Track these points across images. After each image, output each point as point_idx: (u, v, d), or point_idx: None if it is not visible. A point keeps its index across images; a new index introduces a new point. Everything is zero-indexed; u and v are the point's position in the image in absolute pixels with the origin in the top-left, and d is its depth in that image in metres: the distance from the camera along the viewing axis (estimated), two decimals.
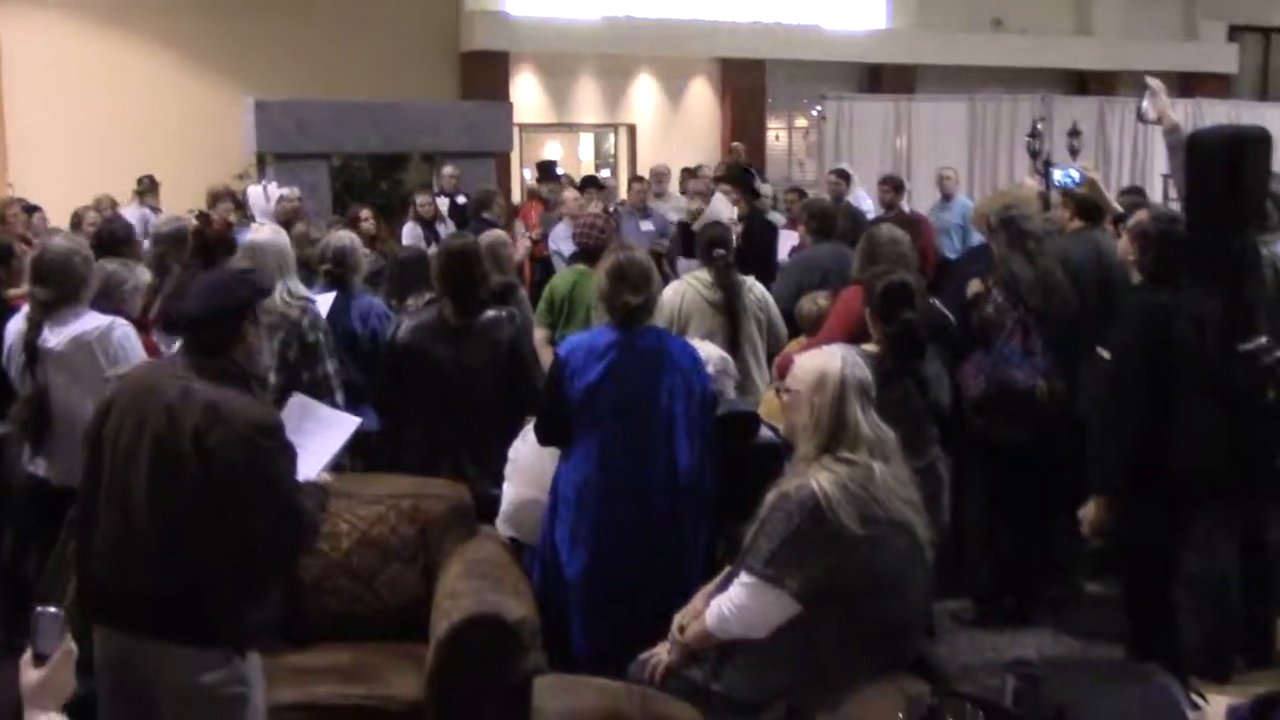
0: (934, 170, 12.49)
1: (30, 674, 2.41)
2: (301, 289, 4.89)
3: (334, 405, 4.73)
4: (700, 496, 4.16)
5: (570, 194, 8.57)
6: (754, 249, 7.62)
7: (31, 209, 8.27)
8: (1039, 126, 11.56)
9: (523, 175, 15.82)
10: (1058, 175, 5.75)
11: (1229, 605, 4.66)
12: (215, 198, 9.30)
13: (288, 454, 3.12)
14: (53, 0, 13.44)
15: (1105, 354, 4.47)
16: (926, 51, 17.75)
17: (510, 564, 4.19)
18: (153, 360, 3.32)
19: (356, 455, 5.30)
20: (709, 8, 16.78)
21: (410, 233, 9.47)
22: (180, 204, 10.17)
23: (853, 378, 3.15)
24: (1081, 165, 6.03)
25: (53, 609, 2.46)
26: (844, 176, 9.92)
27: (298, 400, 3.94)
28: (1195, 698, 3.16)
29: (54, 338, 4.06)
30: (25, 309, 4.22)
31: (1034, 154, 11.51)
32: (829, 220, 6.84)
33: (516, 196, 15.18)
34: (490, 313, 4.71)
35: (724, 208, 8.47)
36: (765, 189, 11.88)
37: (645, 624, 4.07)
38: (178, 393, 3.02)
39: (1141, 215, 4.45)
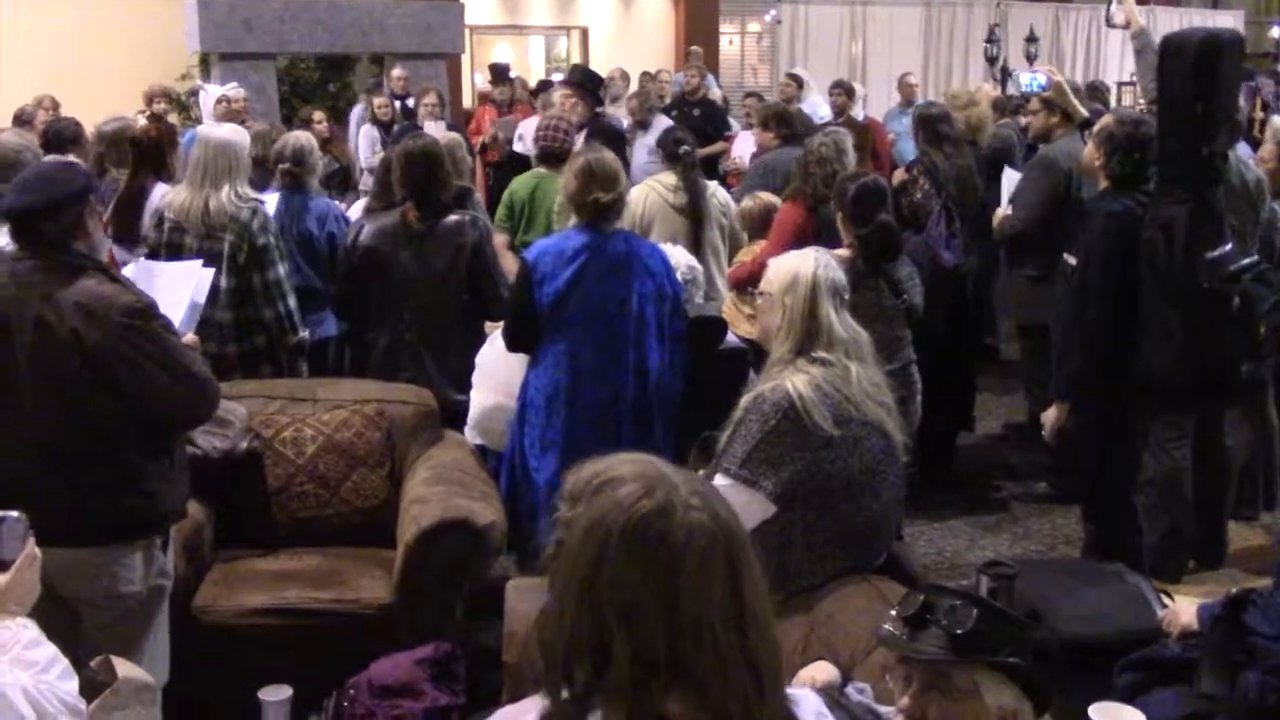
0: (888, 75, 12.44)
1: None
2: (249, 191, 4.76)
3: (286, 310, 4.68)
4: (669, 402, 4.14)
5: (560, 93, 8.41)
6: None
7: None
8: (996, 32, 11.48)
9: (473, 79, 15.51)
10: (1025, 80, 5.73)
11: (1183, 508, 4.76)
12: (150, 99, 9.01)
13: (169, 327, 3.14)
14: None
15: (1071, 260, 4.48)
16: None
17: (477, 469, 4.17)
18: None
19: (315, 360, 5.25)
20: None
21: (366, 135, 9.26)
22: (120, 107, 9.83)
23: (825, 278, 3.12)
24: (1048, 69, 5.97)
25: (14, 513, 2.42)
26: (797, 81, 9.81)
27: (140, 265, 4.02)
28: (1163, 596, 3.23)
29: (4, 236, 3.92)
30: None
31: (991, 60, 11.46)
32: (793, 124, 6.77)
33: (467, 100, 14.88)
34: (453, 216, 4.61)
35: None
36: (716, 93, 11.72)
37: None
38: (40, 302, 2.96)
39: (1107, 119, 4.42)
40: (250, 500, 4.04)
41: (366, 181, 8.40)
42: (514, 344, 4.18)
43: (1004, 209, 5.87)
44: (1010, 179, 6.04)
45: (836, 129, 5.86)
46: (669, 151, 5.74)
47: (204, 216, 4.57)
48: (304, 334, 4.81)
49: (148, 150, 5.37)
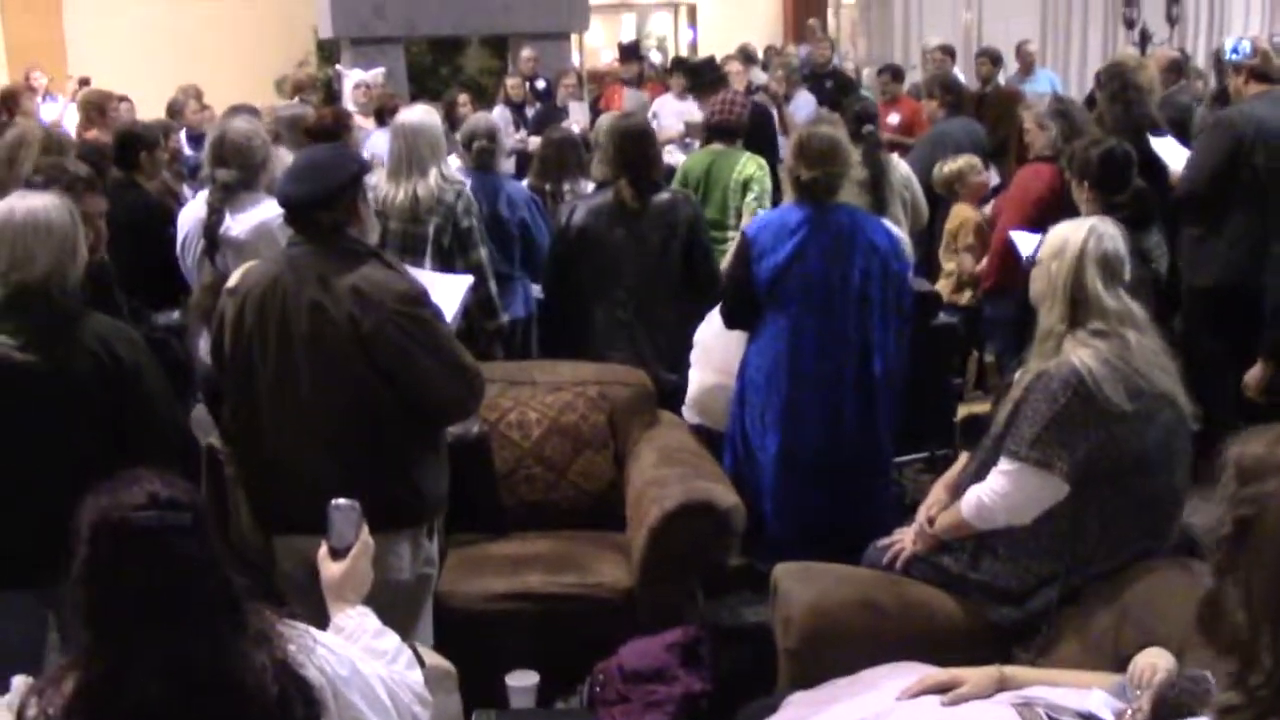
0: (1004, 43, 12.09)
1: (330, 568, 2.35)
2: (454, 172, 4.73)
3: (488, 294, 4.64)
4: (894, 380, 4.06)
5: (735, 67, 8.22)
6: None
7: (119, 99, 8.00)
8: None
9: (580, 56, 15.43)
10: (1228, 46, 5.50)
11: None
12: (299, 88, 9.00)
13: (440, 316, 3.13)
14: None
15: None
16: None
17: (702, 450, 4.12)
18: (266, 260, 3.23)
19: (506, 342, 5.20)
20: None
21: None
22: (244, 94, 9.83)
23: (1094, 249, 2.99)
24: (1252, 36, 5.77)
25: (345, 500, 2.39)
26: (949, 53, 9.60)
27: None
28: None
29: (236, 225, 3.93)
30: (203, 194, 4.08)
31: (1130, 24, 11.14)
32: (960, 92, 6.62)
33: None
34: (665, 194, 4.56)
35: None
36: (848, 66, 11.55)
37: (840, 508, 4.02)
38: (316, 286, 2.94)
39: None
40: (480, 484, 4.00)
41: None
42: (732, 320, 4.13)
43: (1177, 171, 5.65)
44: (1167, 147, 5.82)
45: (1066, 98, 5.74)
46: (852, 129, 5.63)
47: (413, 204, 4.54)
48: (505, 317, 4.78)
49: (324, 136, 5.35)
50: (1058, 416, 2.88)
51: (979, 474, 3.07)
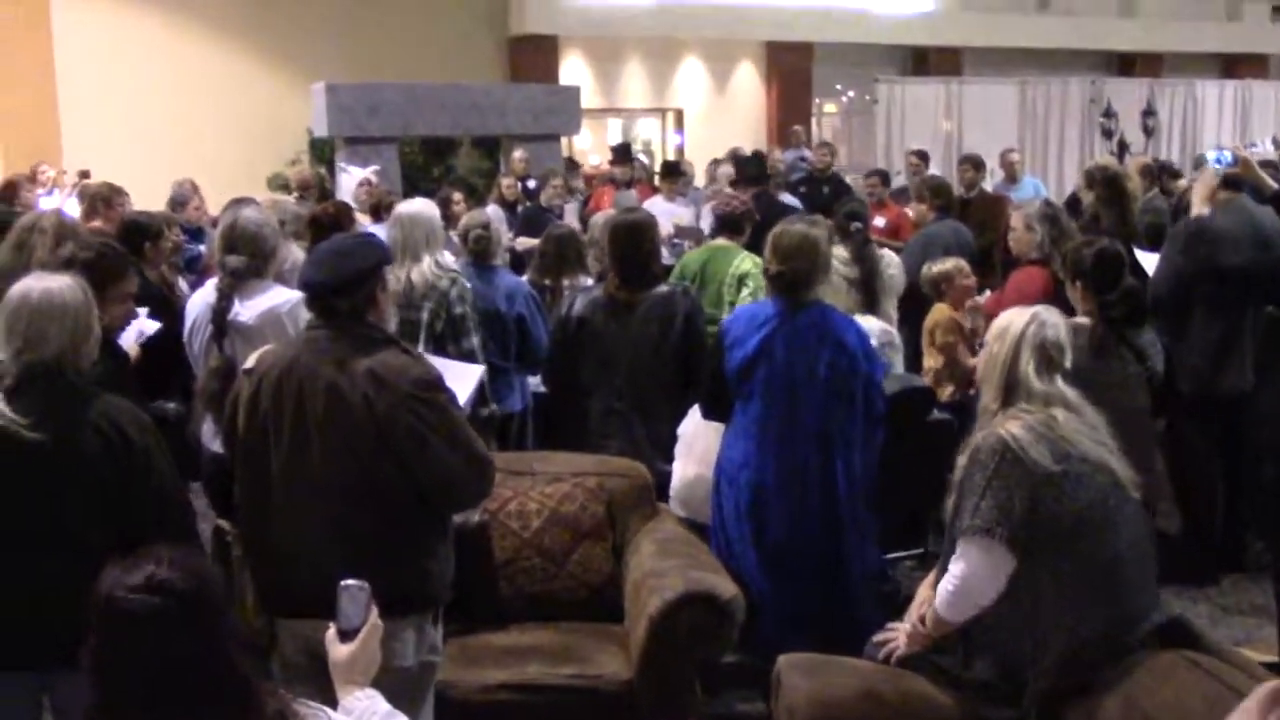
0: (984, 152, 12.40)
1: (339, 650, 2.33)
2: (449, 260, 4.80)
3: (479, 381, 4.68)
4: (861, 478, 4.06)
5: (727, 169, 8.36)
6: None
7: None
8: (1112, 106, 11.46)
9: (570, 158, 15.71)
10: (1211, 156, 5.66)
11: None
12: (304, 186, 9.13)
13: (455, 401, 3.14)
14: None
15: None
16: (973, 34, 17.59)
17: (698, 542, 4.12)
18: (284, 342, 3.29)
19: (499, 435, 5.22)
20: None
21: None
22: (236, 190, 9.87)
23: (1033, 335, 3.07)
24: (1234, 146, 5.95)
25: (354, 581, 2.38)
26: (923, 157, 9.83)
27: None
28: None
29: (244, 311, 3.97)
30: (212, 281, 4.13)
31: (1108, 134, 11.44)
32: (949, 197, 6.77)
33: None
34: (663, 288, 4.62)
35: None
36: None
37: (815, 602, 4.02)
38: (333, 368, 2.98)
39: None
40: (479, 574, 3.99)
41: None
42: (709, 411, 4.22)
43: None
44: (1145, 257, 5.96)
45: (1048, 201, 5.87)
46: (841, 226, 5.74)
47: (408, 290, 4.61)
48: (494, 406, 4.81)
49: (327, 228, 5.44)
50: (990, 482, 2.95)
51: (945, 571, 3.11)
